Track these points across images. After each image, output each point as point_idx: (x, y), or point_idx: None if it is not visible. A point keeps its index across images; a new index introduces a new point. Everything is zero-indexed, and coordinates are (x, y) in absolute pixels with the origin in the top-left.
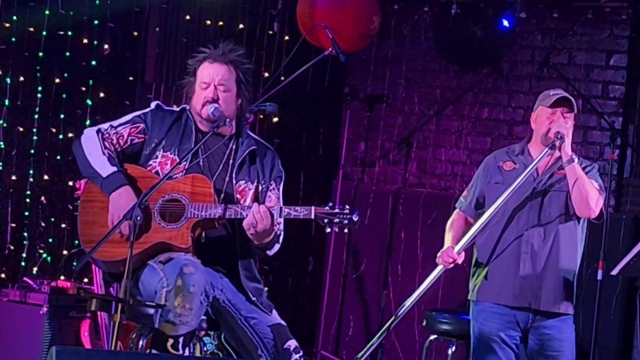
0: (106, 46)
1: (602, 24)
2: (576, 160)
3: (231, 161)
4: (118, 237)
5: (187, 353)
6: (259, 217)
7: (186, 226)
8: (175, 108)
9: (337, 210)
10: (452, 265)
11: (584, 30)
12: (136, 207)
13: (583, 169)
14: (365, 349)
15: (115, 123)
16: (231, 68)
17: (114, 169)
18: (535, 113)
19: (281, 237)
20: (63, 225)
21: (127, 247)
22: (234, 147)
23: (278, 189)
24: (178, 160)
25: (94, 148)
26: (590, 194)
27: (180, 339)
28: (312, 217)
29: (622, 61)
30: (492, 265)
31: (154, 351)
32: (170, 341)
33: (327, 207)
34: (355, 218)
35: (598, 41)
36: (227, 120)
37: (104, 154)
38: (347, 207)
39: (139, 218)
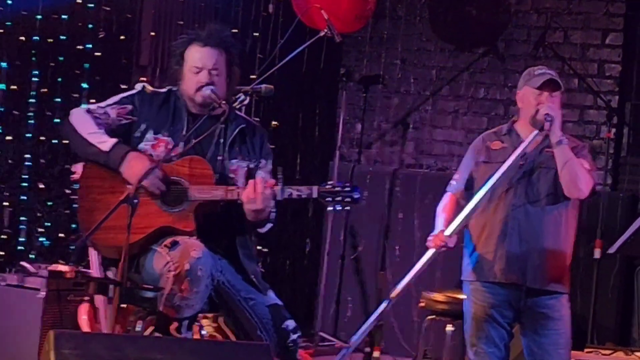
0: (101, 29)
1: (598, 2)
2: (565, 141)
3: (222, 141)
4: (120, 223)
5: (189, 336)
6: (260, 195)
7: (189, 209)
8: (161, 90)
9: (338, 188)
10: (443, 249)
11: (580, 9)
12: (134, 191)
13: (573, 149)
14: (359, 334)
15: (103, 104)
16: (221, 51)
17: (114, 140)
18: (520, 92)
19: (272, 216)
20: (60, 209)
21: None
22: (223, 127)
23: (268, 166)
24: (172, 142)
25: (87, 125)
26: (579, 176)
27: (185, 322)
28: (315, 195)
29: (618, 39)
30: (482, 244)
31: (156, 334)
32: (175, 324)
33: (328, 186)
34: (356, 195)
35: (594, 20)
36: (223, 102)
37: (99, 128)
38: (348, 184)
39: (135, 201)
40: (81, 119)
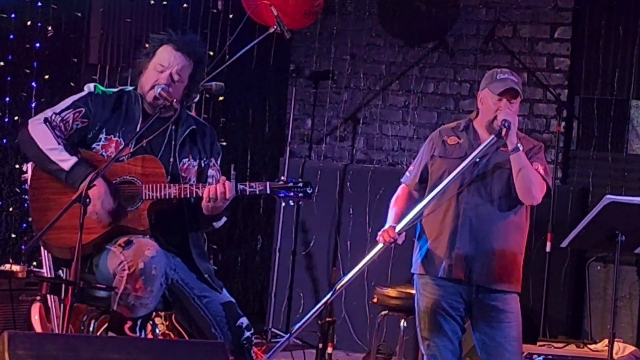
0: (50, 28)
1: None
2: (521, 148)
3: (173, 142)
4: (73, 223)
5: (142, 335)
6: (221, 194)
7: (142, 208)
8: (112, 89)
9: (291, 184)
10: (392, 245)
11: (528, 3)
12: (85, 190)
13: (530, 150)
14: (301, 322)
15: (57, 109)
16: (191, 61)
17: (74, 159)
18: (481, 93)
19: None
20: (11, 209)
21: (84, 233)
22: (174, 127)
23: (217, 165)
24: (123, 142)
25: (47, 139)
26: (533, 183)
27: (138, 322)
28: (268, 191)
29: (567, 33)
30: (433, 240)
31: (110, 334)
32: (129, 323)
33: (280, 182)
34: (309, 190)
35: (542, 14)
36: (175, 101)
37: (59, 143)
38: (301, 180)
39: (87, 200)
40: (41, 132)
